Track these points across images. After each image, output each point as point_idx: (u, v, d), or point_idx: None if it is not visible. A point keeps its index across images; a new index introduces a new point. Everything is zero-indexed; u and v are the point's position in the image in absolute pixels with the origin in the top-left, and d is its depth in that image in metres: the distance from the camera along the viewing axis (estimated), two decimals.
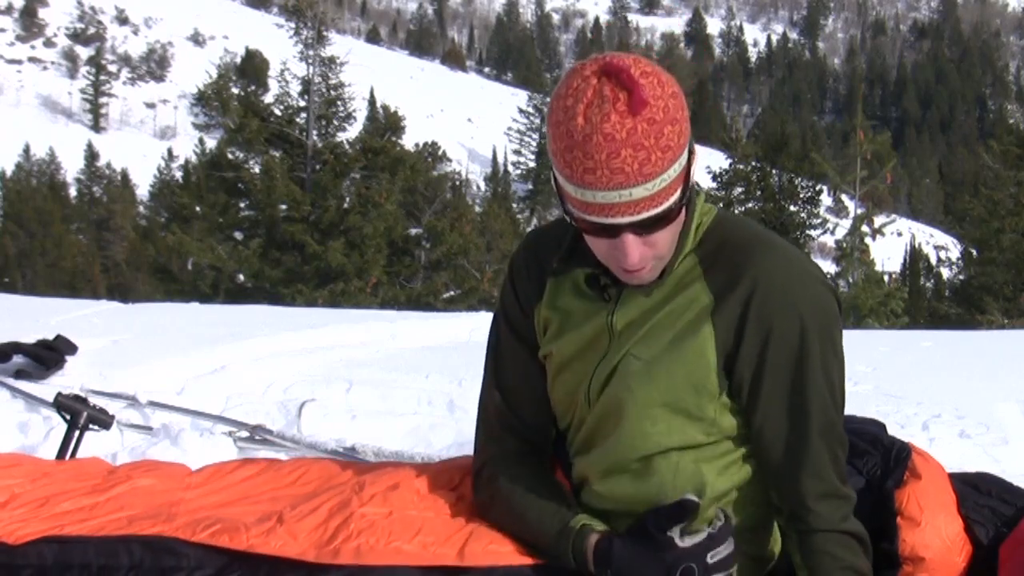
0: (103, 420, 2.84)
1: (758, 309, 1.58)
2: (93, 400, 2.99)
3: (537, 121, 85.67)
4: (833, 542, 1.60)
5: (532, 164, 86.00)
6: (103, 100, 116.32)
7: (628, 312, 1.66)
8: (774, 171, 26.12)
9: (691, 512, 1.58)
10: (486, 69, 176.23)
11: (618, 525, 1.68)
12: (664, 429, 1.63)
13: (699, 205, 1.68)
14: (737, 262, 1.61)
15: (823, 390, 1.60)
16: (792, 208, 25.89)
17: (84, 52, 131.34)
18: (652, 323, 1.64)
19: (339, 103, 26.56)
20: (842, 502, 1.62)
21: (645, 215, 1.51)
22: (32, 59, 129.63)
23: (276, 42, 35.21)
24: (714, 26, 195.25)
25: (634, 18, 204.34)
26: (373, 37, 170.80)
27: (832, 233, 23.33)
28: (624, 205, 1.50)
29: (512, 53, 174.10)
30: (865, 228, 18.21)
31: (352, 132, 27.04)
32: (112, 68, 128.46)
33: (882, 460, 1.87)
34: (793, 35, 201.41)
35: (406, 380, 5.55)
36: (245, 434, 4.31)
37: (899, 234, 62.70)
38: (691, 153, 1.56)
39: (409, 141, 28.28)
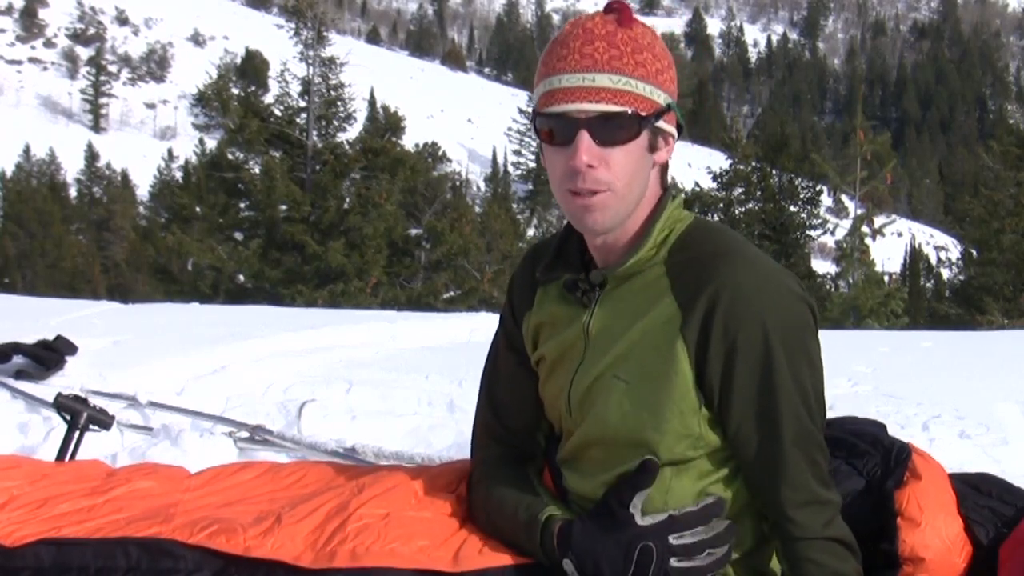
0: (103, 421, 2.84)
1: (722, 320, 1.55)
2: (93, 400, 2.99)
3: None
4: (817, 549, 1.57)
5: (532, 164, 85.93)
6: (103, 100, 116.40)
7: (602, 318, 1.66)
8: (774, 171, 26.12)
9: (652, 473, 1.57)
10: (486, 69, 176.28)
11: None
12: (651, 450, 1.62)
13: (672, 206, 1.66)
14: (702, 273, 1.58)
15: (794, 399, 1.57)
16: (792, 208, 25.88)
17: (84, 52, 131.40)
18: (628, 339, 1.62)
19: (339, 103, 26.56)
20: (824, 508, 1.59)
21: (603, 107, 1.53)
22: (32, 59, 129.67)
23: (276, 42, 35.21)
24: (714, 26, 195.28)
25: None
26: (373, 37, 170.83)
27: (832, 233, 23.33)
28: (585, 91, 1.53)
29: (512, 53, 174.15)
30: (865, 228, 18.21)
31: (352, 132, 27.04)
32: (112, 68, 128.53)
33: (882, 460, 1.87)
34: (793, 35, 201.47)
35: (406, 380, 5.55)
36: (245, 434, 4.31)
37: (899, 234, 62.76)
38: (669, 109, 1.59)
39: (409, 141, 28.32)
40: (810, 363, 1.60)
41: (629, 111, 1.54)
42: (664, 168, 1.67)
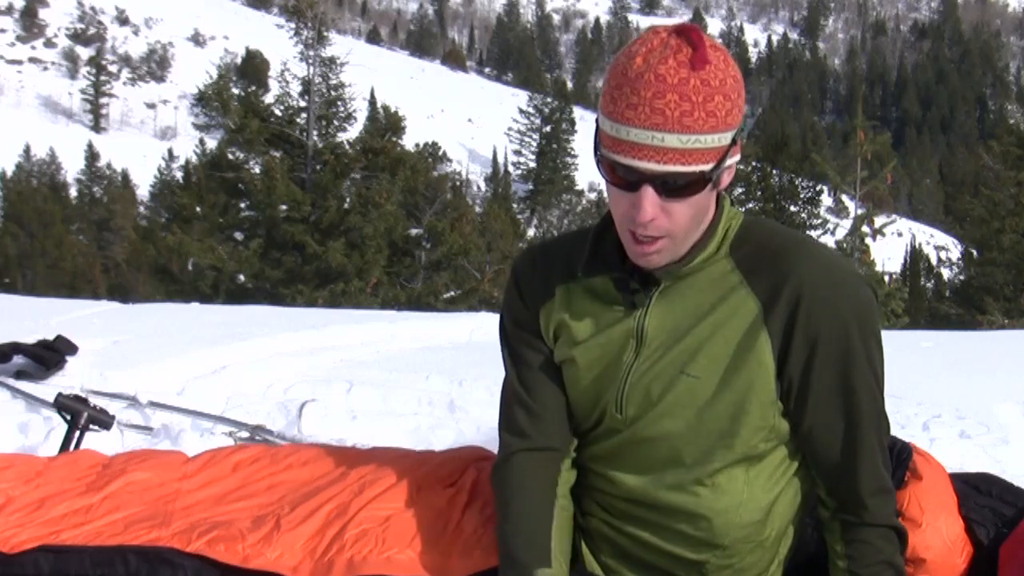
0: (103, 420, 2.85)
1: (805, 315, 1.58)
2: (93, 400, 2.99)
3: (538, 121, 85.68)
4: (878, 535, 1.63)
5: (532, 164, 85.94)
6: (103, 100, 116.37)
7: (662, 319, 1.64)
8: (774, 171, 26.15)
9: None
10: (486, 69, 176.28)
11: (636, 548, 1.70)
12: (727, 443, 1.62)
13: (726, 209, 1.67)
14: (779, 268, 1.60)
15: (871, 384, 1.63)
16: (792, 208, 25.92)
17: (84, 52, 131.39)
18: (696, 335, 1.62)
19: (339, 103, 26.56)
20: (890, 496, 1.66)
21: (670, 168, 1.50)
22: (32, 59, 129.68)
23: (276, 42, 35.22)
24: (714, 26, 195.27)
25: (634, 18, 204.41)
26: (373, 37, 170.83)
27: (832, 233, 23.34)
28: (653, 150, 1.50)
29: (512, 53, 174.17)
30: (865, 228, 18.19)
31: (352, 132, 27.04)
32: (112, 68, 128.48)
33: None
34: (793, 35, 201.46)
35: (406, 380, 5.56)
36: (245, 434, 4.31)
37: (899, 234, 62.66)
38: (734, 144, 1.56)
39: (409, 141, 28.32)
40: (879, 346, 1.65)
41: (696, 169, 1.52)
42: None
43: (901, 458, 1.85)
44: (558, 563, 1.65)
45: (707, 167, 1.52)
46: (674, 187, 1.52)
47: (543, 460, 1.73)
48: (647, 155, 1.50)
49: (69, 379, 5.36)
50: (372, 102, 68.30)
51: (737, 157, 1.61)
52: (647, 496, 1.67)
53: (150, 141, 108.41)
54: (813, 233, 26.13)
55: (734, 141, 1.55)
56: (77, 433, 2.80)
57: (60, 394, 2.88)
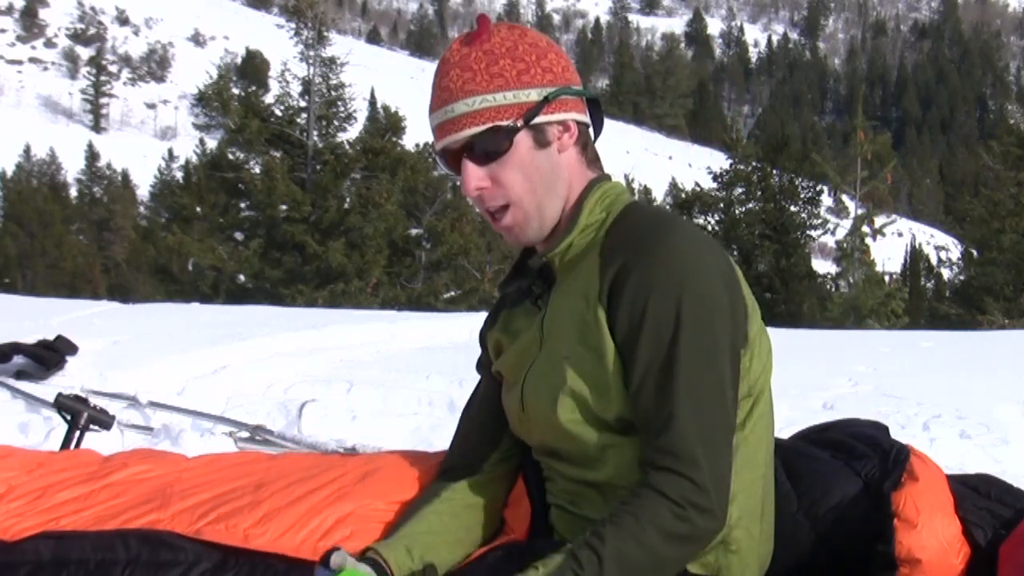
0: (103, 420, 2.85)
1: (625, 290, 1.55)
2: (93, 400, 2.99)
3: None
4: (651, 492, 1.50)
5: None
6: (104, 100, 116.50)
7: (555, 314, 1.66)
8: (774, 171, 26.13)
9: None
10: None
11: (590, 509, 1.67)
12: (618, 418, 1.59)
13: (601, 189, 1.66)
14: (622, 247, 1.59)
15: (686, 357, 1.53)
16: (793, 208, 25.90)
17: (85, 52, 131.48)
18: (573, 320, 1.62)
19: (339, 103, 26.58)
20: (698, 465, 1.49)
21: (466, 132, 1.57)
22: (33, 59, 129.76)
23: (276, 42, 35.22)
24: (714, 26, 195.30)
25: (634, 18, 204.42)
26: (373, 37, 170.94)
27: (833, 233, 23.34)
28: (449, 123, 1.59)
29: None
30: (865, 228, 18.23)
31: (353, 132, 27.07)
32: (113, 68, 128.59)
33: (880, 462, 1.86)
34: (794, 35, 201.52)
35: (406, 380, 5.57)
36: (246, 434, 4.32)
37: (899, 234, 62.71)
38: (548, 102, 1.58)
39: (410, 141, 28.25)
40: (705, 316, 1.54)
41: (491, 126, 1.57)
42: (586, 152, 1.66)
43: (898, 459, 1.85)
44: (395, 538, 1.68)
45: (506, 122, 1.57)
46: (489, 150, 1.58)
47: (441, 480, 1.83)
48: (446, 130, 1.59)
49: (69, 379, 5.38)
50: (372, 102, 68.27)
51: (563, 115, 1.61)
52: (582, 476, 1.68)
53: (150, 141, 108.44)
54: (813, 233, 26.18)
55: (547, 99, 1.59)
56: (77, 433, 2.80)
57: (60, 394, 2.88)
